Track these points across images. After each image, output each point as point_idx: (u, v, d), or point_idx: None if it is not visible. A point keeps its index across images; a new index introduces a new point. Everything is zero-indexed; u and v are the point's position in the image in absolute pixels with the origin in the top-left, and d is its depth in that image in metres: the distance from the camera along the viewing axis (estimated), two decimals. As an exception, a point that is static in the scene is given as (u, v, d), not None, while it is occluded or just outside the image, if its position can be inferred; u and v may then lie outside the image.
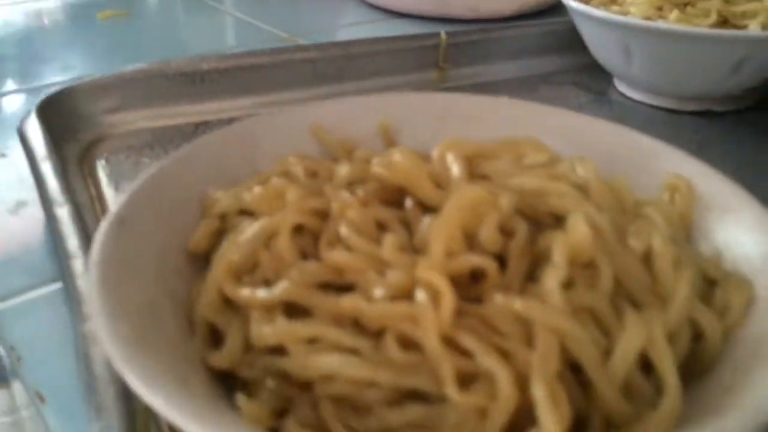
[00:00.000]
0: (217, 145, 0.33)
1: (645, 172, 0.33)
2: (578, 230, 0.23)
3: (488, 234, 0.23)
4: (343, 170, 0.30)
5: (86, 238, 0.35)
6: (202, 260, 0.29)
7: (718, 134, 0.55)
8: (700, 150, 0.52)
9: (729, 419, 0.19)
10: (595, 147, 0.34)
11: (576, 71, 0.66)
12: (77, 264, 0.33)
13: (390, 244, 0.24)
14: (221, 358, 0.24)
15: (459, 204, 0.24)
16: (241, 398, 0.22)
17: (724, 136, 0.55)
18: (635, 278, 0.24)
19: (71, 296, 0.32)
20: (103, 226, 0.26)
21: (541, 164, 0.29)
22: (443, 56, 0.62)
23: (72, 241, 0.35)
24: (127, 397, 0.25)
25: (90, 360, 0.27)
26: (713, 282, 0.27)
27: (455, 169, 0.27)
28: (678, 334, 0.23)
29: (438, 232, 0.23)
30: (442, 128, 0.37)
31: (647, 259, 0.25)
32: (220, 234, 0.30)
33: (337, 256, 0.24)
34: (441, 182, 0.27)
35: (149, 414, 0.25)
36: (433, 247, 0.23)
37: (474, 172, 0.28)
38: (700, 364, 0.24)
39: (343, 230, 0.25)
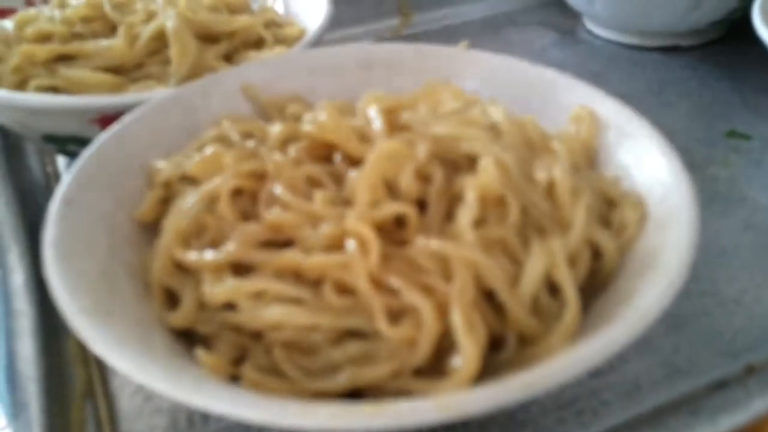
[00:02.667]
0: (154, 115, 0.35)
1: (555, 105, 0.36)
2: (487, 172, 0.26)
3: (407, 182, 0.26)
4: (275, 130, 0.32)
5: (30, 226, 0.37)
6: (151, 228, 0.31)
7: (681, 70, 0.58)
8: (660, 89, 0.55)
9: (618, 327, 0.23)
10: (509, 85, 0.37)
11: (543, 9, 0.67)
12: (11, 258, 0.35)
13: (321, 199, 0.27)
14: (178, 318, 0.27)
15: (379, 156, 0.26)
16: (200, 352, 0.25)
17: (688, 72, 0.57)
18: (540, 209, 0.27)
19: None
20: (52, 209, 0.28)
21: (455, 111, 0.31)
22: (404, 2, 0.63)
23: (6, 233, 0.36)
24: (52, 395, 0.27)
25: (15, 356, 0.29)
26: (612, 202, 0.30)
27: (377, 122, 0.29)
28: (578, 255, 0.26)
29: (362, 184, 0.26)
30: (368, 77, 0.39)
31: (551, 189, 0.28)
32: (166, 201, 0.32)
33: (274, 215, 0.27)
34: (365, 136, 0.29)
35: (83, 408, 0.27)
36: (358, 198, 0.26)
37: (394, 124, 0.30)
38: (601, 278, 0.27)
39: (278, 189, 0.28)
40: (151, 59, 0.44)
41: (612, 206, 0.30)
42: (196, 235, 0.29)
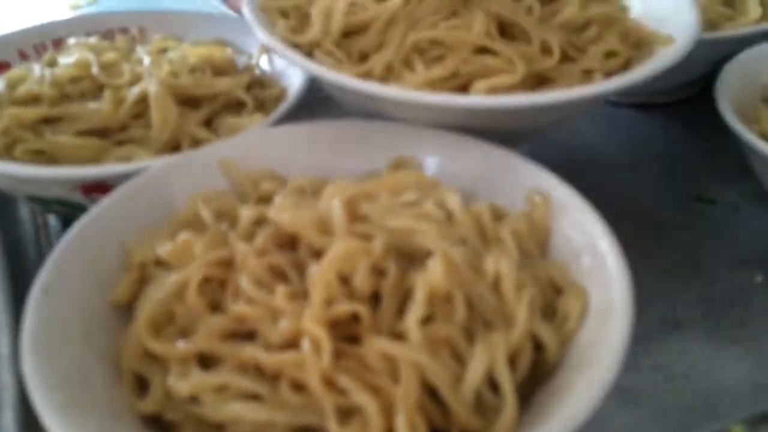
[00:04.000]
0: (133, 195, 0.37)
1: (512, 186, 0.37)
2: (435, 270, 0.28)
3: (361, 280, 0.28)
4: (245, 215, 0.34)
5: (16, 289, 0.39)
6: (127, 310, 0.33)
7: (654, 128, 0.60)
8: (632, 147, 0.57)
9: (552, 426, 0.25)
10: (470, 164, 0.39)
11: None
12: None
13: (282, 294, 0.28)
14: (148, 405, 0.28)
15: (334, 256, 0.28)
16: (165, 441, 0.27)
17: (659, 131, 0.59)
18: (486, 303, 0.29)
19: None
20: (30, 297, 0.30)
21: (411, 203, 0.33)
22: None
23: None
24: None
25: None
26: (558, 289, 0.32)
27: (337, 215, 0.31)
28: (520, 350, 0.28)
29: (317, 283, 0.28)
30: (339, 151, 0.41)
31: (497, 283, 0.30)
32: (141, 283, 0.34)
33: (238, 309, 0.29)
34: (326, 228, 0.31)
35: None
36: (314, 297, 0.27)
37: (355, 214, 0.32)
38: (543, 369, 0.29)
39: (244, 283, 0.29)
40: (135, 122, 0.46)
41: (558, 293, 0.32)
42: (167, 322, 0.30)
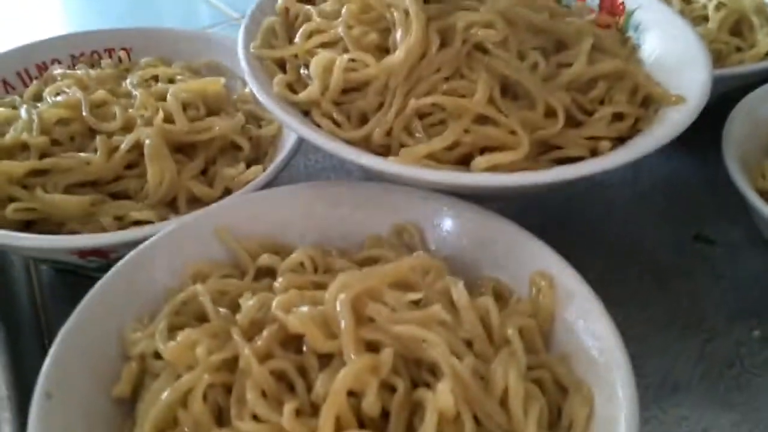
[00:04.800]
0: (129, 272, 0.36)
1: (516, 261, 0.37)
2: (444, 395, 0.28)
3: (370, 404, 0.28)
4: (247, 307, 0.33)
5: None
6: (129, 401, 0.33)
7: (657, 158, 0.55)
8: (635, 177, 0.56)
9: None
10: (473, 232, 0.38)
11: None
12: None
13: (288, 413, 0.28)
14: None
15: (345, 377, 0.28)
16: None
17: (663, 160, 0.57)
18: (494, 420, 0.29)
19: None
20: (33, 403, 0.29)
21: (417, 306, 0.32)
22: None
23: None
24: None
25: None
26: (564, 389, 0.32)
27: (344, 319, 0.30)
28: (528, 469, 0.28)
29: (325, 415, 0.27)
30: (337, 215, 0.40)
31: (505, 395, 0.30)
32: (141, 374, 0.33)
33: (244, 427, 0.28)
34: (332, 329, 0.31)
35: None
36: (323, 424, 0.27)
37: (361, 316, 0.31)
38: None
39: (249, 395, 0.29)
40: (129, 171, 0.45)
41: (563, 392, 0.32)
42: (171, 427, 0.30)
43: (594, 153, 0.40)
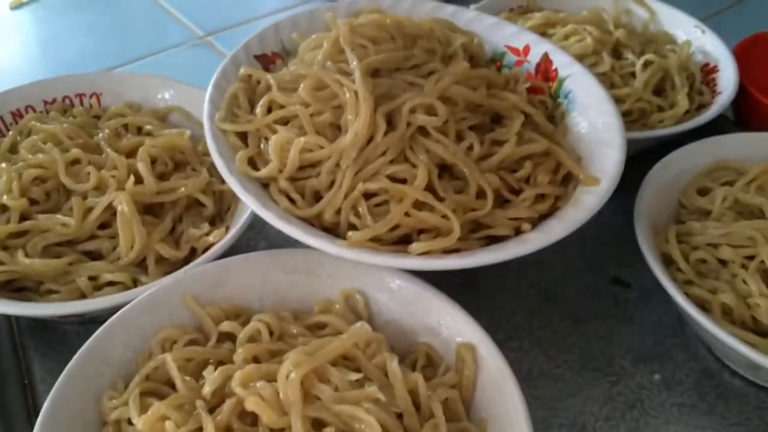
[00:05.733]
0: (103, 342, 0.41)
1: (443, 329, 0.43)
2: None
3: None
4: (210, 380, 0.38)
5: None
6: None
7: None
8: None
9: None
10: (410, 302, 0.44)
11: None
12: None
13: (244, 485, 0.34)
14: None
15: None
16: None
17: None
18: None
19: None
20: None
21: (357, 381, 0.38)
22: None
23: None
24: None
25: None
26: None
27: (293, 398, 0.36)
28: None
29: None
30: (292, 281, 0.46)
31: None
32: (118, 437, 0.38)
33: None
34: (283, 407, 0.36)
35: None
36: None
37: (309, 394, 0.37)
38: None
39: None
40: (102, 231, 0.49)
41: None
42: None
43: (518, 231, 0.46)
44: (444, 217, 0.44)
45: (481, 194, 0.46)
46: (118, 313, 0.42)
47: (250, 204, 0.44)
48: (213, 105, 0.50)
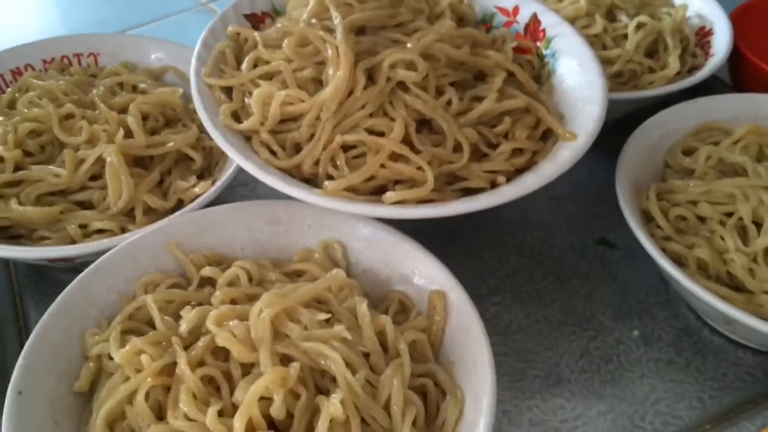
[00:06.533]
0: (89, 283, 0.43)
1: (417, 276, 0.44)
2: (334, 407, 0.35)
3: (276, 409, 0.35)
4: (187, 319, 0.40)
5: None
6: (87, 395, 0.40)
7: None
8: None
9: None
10: (382, 250, 0.45)
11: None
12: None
13: (211, 415, 0.35)
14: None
15: (258, 387, 0.35)
16: None
17: (580, 161, 0.60)
18: (378, 422, 0.36)
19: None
20: (6, 399, 0.37)
21: (326, 321, 0.39)
22: None
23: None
24: None
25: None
26: (444, 392, 0.39)
27: (264, 335, 0.37)
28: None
29: (240, 416, 0.34)
30: (273, 231, 0.47)
31: (389, 402, 0.37)
32: (98, 372, 0.40)
33: (178, 425, 0.36)
34: (254, 343, 0.38)
35: None
36: (237, 429, 0.34)
37: (279, 332, 0.38)
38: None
39: (182, 398, 0.36)
40: (92, 182, 0.51)
41: (443, 394, 0.39)
42: (120, 418, 0.38)
43: (493, 185, 0.46)
44: (419, 168, 0.44)
45: (458, 148, 0.46)
46: (103, 256, 0.44)
47: (230, 154, 0.45)
48: (200, 61, 0.51)
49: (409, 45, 0.48)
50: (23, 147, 0.51)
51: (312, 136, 0.47)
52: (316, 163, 0.46)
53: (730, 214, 0.49)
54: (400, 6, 0.53)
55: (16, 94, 0.57)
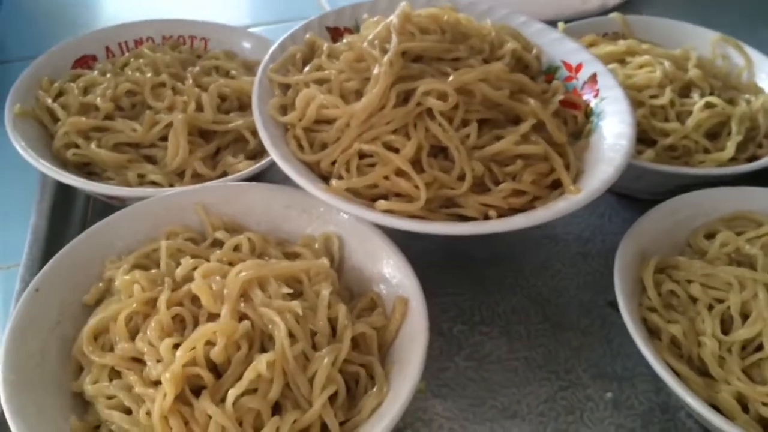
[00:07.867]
0: (125, 220, 0.51)
1: (394, 277, 0.48)
2: (260, 365, 0.40)
3: (215, 353, 0.41)
4: (183, 266, 0.47)
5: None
6: (92, 309, 0.48)
7: (611, 223, 0.66)
8: (591, 235, 0.64)
9: None
10: (371, 252, 0.50)
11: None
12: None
13: (165, 346, 0.41)
14: (75, 387, 0.43)
15: (204, 332, 0.41)
16: (71, 419, 0.41)
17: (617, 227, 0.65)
18: (300, 390, 0.41)
19: None
20: (23, 295, 0.45)
21: (288, 294, 0.44)
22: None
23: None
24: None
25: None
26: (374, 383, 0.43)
27: (231, 292, 0.43)
28: (311, 427, 0.40)
29: (183, 350, 0.40)
30: (286, 215, 0.53)
31: (314, 376, 0.41)
32: (105, 291, 0.48)
33: (141, 345, 0.42)
34: (221, 298, 0.44)
35: None
36: (178, 360, 0.40)
37: (246, 294, 0.44)
38: None
39: (151, 326, 0.43)
40: (161, 142, 0.59)
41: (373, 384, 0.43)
42: (104, 331, 0.45)
43: (485, 217, 0.50)
44: (416, 187, 0.49)
45: (463, 177, 0.50)
46: (142, 201, 0.52)
47: (263, 138, 0.52)
48: (272, 58, 0.58)
49: (451, 78, 0.53)
50: (118, 102, 0.61)
51: (338, 139, 0.52)
52: (333, 163, 0.51)
53: (721, 301, 0.49)
54: (462, 43, 0.58)
55: (132, 60, 0.67)
